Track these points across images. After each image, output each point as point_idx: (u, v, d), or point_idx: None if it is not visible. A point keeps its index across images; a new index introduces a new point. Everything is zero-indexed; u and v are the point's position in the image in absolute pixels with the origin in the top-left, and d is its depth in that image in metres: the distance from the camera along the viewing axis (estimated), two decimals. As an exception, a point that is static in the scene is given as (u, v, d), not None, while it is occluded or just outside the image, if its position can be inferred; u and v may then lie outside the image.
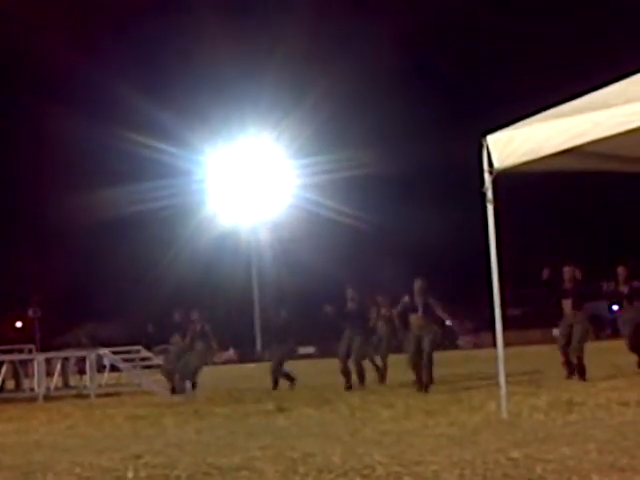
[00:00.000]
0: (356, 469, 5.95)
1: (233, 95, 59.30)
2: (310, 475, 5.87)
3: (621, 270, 15.10)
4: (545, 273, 14.21)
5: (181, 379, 17.80)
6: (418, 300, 13.62)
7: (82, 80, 60.29)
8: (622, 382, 12.23)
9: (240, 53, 58.25)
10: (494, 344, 9.32)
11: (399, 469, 5.86)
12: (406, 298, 13.80)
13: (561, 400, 9.70)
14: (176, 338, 17.73)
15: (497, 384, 9.00)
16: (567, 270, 14.38)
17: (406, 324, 15.08)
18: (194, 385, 17.74)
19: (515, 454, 6.07)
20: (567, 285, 14.30)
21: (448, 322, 14.57)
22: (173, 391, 17.59)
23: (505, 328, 8.78)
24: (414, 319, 13.66)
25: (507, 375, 8.76)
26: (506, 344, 8.79)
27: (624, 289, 14.97)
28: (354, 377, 15.62)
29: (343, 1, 63.79)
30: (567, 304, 14.25)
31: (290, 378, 17.12)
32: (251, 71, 59.15)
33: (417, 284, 13.66)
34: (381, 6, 61.70)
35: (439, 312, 13.61)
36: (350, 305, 15.79)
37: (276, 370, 17.05)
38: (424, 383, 13.39)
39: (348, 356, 15.66)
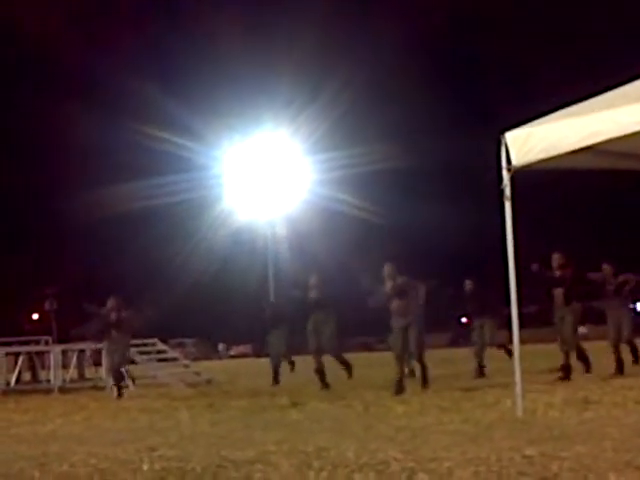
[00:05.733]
0: (370, 464, 5.95)
1: (250, 90, 59.37)
2: (325, 470, 5.88)
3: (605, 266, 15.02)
4: (534, 267, 13.80)
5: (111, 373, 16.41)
6: (389, 285, 12.71)
7: (99, 74, 60.37)
8: (638, 380, 12.17)
9: (257, 48, 58.35)
10: (509, 342, 9.31)
11: (413, 465, 5.86)
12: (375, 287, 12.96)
13: (576, 398, 9.68)
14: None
15: (512, 381, 8.99)
16: (556, 257, 13.94)
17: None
18: (120, 379, 16.21)
19: (530, 452, 6.06)
20: (557, 273, 13.88)
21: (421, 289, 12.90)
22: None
23: (521, 326, 8.76)
24: (396, 306, 12.72)
25: (522, 373, 8.74)
26: (521, 342, 8.77)
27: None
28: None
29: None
30: (558, 293, 13.86)
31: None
32: (268, 66, 59.18)
33: (386, 269, 12.73)
34: (399, 2, 61.58)
35: (413, 284, 12.70)
36: (312, 294, 14.80)
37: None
38: (421, 378, 12.72)
39: (321, 351, 14.78)
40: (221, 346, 70.03)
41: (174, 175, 55.13)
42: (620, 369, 14.13)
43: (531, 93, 51.13)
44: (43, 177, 62.59)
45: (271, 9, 64.12)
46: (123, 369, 16.51)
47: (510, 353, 15.47)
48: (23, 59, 63.52)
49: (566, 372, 13.52)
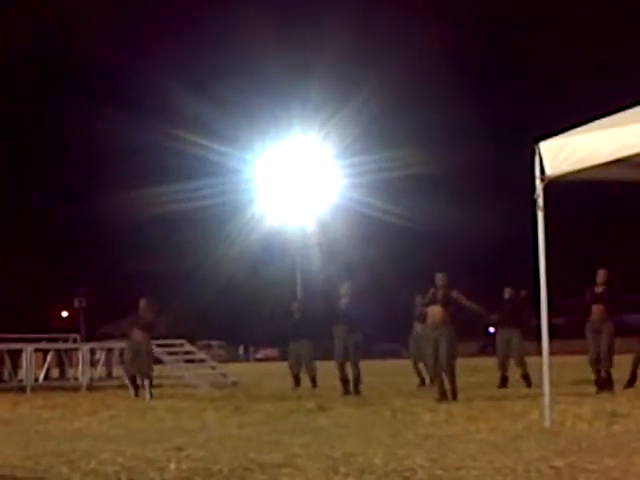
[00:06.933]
0: (397, 471, 5.95)
1: (281, 94, 59.47)
2: (351, 475, 5.88)
3: None
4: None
5: (140, 377, 16.12)
6: (439, 294, 12.61)
7: (131, 78, 60.71)
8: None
9: (289, 53, 58.39)
10: (538, 352, 9.26)
11: (441, 473, 5.86)
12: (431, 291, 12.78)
13: (605, 410, 9.60)
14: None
15: (540, 392, 8.94)
16: (601, 273, 13.85)
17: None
18: (150, 383, 15.91)
19: (558, 463, 6.03)
20: (599, 289, 13.80)
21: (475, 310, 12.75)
22: (136, 393, 15.87)
23: (550, 337, 8.71)
24: (433, 312, 12.65)
25: (550, 384, 8.69)
26: (551, 353, 8.72)
27: None
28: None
29: (392, 1, 63.54)
30: (597, 309, 13.74)
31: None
32: (299, 71, 59.23)
33: (439, 279, 12.62)
34: (431, 6, 61.38)
35: (465, 302, 12.54)
36: (342, 303, 14.90)
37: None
38: (449, 391, 12.44)
39: (346, 359, 14.86)
40: (241, 349, 70.17)
41: (206, 179, 55.41)
42: (631, 383, 14.09)
43: (565, 99, 50.91)
44: (76, 179, 63.07)
45: (303, 14, 64.20)
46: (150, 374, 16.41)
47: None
48: (55, 61, 64.01)
49: (603, 385, 13.44)
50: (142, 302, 16.13)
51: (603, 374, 13.64)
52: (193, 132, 55.01)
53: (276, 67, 58.84)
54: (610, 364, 13.64)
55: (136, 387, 15.97)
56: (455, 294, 12.64)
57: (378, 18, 62.03)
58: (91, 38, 59.55)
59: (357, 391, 14.73)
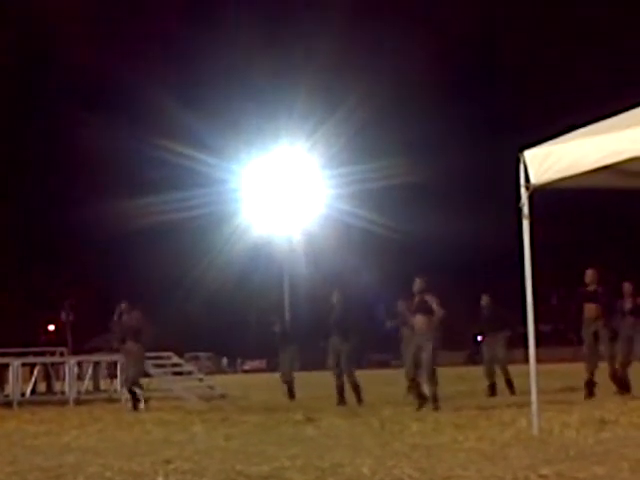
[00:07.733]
0: (386, 481, 5.94)
1: (267, 104, 59.55)
2: (339, 486, 5.88)
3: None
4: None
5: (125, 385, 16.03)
6: (417, 301, 12.54)
7: (117, 88, 60.68)
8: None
9: (274, 62, 58.47)
10: (525, 360, 9.27)
11: (429, 483, 5.85)
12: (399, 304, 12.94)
13: (593, 418, 9.61)
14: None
15: (528, 400, 8.94)
16: (589, 273, 13.91)
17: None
18: (133, 396, 15.81)
19: (546, 471, 6.03)
20: (591, 288, 13.84)
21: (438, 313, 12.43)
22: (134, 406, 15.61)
23: (537, 344, 8.72)
24: (416, 321, 12.58)
25: (538, 391, 8.69)
26: (537, 361, 8.72)
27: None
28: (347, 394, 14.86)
29: (378, 11, 63.76)
30: (590, 308, 13.80)
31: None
32: (285, 80, 59.31)
33: (417, 284, 12.56)
34: (416, 16, 61.65)
35: (433, 306, 12.39)
36: (333, 313, 14.92)
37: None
38: (430, 398, 12.34)
39: (342, 369, 14.81)
40: (225, 361, 70.12)
41: (192, 189, 55.32)
42: (625, 389, 14.06)
43: (551, 109, 51.10)
44: (61, 190, 62.83)
45: (290, 25, 64.28)
46: (138, 383, 16.34)
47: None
48: (43, 70, 63.92)
49: (590, 389, 13.49)
50: (123, 306, 16.00)
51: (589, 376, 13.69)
52: (179, 142, 54.98)
53: (262, 77, 58.93)
54: (614, 363, 13.71)
55: (135, 400, 15.79)
56: (428, 298, 12.52)
57: (364, 28, 62.21)
58: (78, 48, 59.45)
59: (359, 399, 14.72)
